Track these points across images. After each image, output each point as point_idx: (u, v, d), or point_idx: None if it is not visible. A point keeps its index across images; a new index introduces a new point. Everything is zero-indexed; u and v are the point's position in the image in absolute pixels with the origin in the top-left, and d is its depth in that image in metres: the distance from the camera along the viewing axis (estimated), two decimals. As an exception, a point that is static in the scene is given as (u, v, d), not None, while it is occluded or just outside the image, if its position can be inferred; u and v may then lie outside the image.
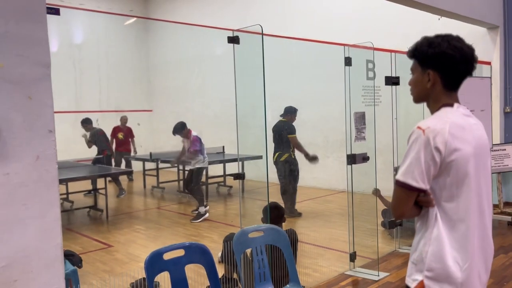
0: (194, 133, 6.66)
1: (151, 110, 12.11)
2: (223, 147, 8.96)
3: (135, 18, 11.73)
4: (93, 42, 10.85)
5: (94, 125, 8.27)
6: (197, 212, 6.39)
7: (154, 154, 8.62)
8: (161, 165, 8.68)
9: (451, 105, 1.53)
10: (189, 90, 10.91)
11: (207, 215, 6.32)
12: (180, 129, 6.63)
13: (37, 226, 1.80)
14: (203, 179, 7.29)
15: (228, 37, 2.98)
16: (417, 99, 1.62)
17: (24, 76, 1.75)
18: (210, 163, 7.78)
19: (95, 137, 8.00)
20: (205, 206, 6.43)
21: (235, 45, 3.00)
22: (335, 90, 5.31)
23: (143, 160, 8.81)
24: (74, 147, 8.45)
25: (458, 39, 1.53)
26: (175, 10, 11.15)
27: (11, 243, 1.74)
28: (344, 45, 3.99)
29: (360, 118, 4.04)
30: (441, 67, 1.51)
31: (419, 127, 1.46)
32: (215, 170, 8.34)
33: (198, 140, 6.62)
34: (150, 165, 9.01)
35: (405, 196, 1.46)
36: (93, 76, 10.75)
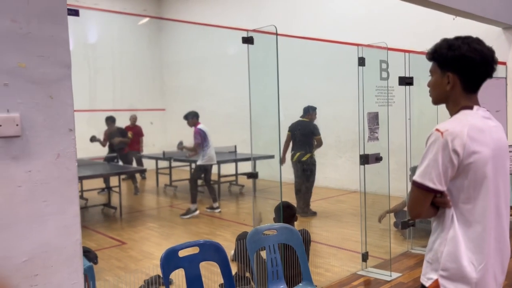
0: (200, 126, 6.65)
1: (164, 109, 12.20)
2: (235, 146, 9.00)
3: (148, 18, 11.83)
4: (107, 41, 10.97)
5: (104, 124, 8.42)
6: (210, 210, 6.46)
7: (167, 153, 8.69)
8: (173, 163, 8.75)
9: (471, 107, 1.54)
10: (201, 89, 10.97)
11: (196, 213, 6.37)
12: (189, 116, 6.70)
13: (57, 222, 1.85)
14: (215, 177, 7.33)
15: (243, 38, 3.00)
16: (436, 101, 1.62)
17: (45, 76, 1.80)
18: (223, 162, 7.84)
19: (116, 135, 8.13)
20: (196, 208, 6.46)
21: (249, 45, 3.03)
22: (348, 90, 5.31)
23: (156, 158, 8.88)
24: (88, 145, 8.55)
25: (478, 42, 1.53)
26: (188, 10, 11.22)
27: (32, 239, 1.79)
28: (357, 45, 3.99)
29: (374, 118, 4.03)
30: (461, 70, 1.51)
31: (437, 130, 1.47)
32: (228, 169, 8.39)
33: (199, 133, 6.58)
34: (162, 164, 9.09)
35: (422, 197, 1.47)
36: (107, 75, 10.87)
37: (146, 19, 11.81)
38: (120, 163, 8.29)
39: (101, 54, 10.75)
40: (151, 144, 9.92)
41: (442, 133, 1.45)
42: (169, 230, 5.78)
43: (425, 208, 1.49)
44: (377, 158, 4.01)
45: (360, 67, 3.93)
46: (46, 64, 1.80)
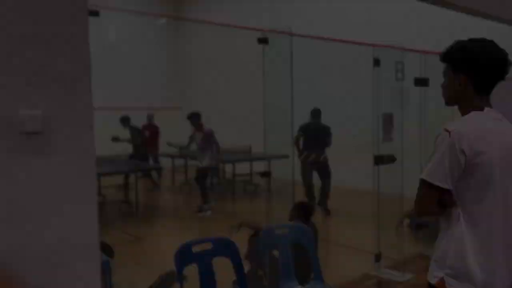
0: (207, 127, 6.74)
1: (180, 108, 12.33)
2: (250, 146, 9.05)
3: (166, 19, 11.96)
4: (126, 42, 11.13)
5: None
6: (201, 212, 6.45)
7: (183, 152, 8.78)
8: (189, 162, 8.84)
9: (482, 108, 1.55)
10: (218, 89, 11.05)
11: (208, 213, 6.41)
12: (195, 118, 6.74)
13: (75, 217, 1.92)
14: (230, 176, 7.37)
15: (258, 38, 3.04)
16: (449, 102, 1.64)
17: (66, 74, 1.87)
18: (237, 161, 7.89)
19: (136, 132, 8.26)
20: (209, 203, 6.51)
21: (264, 45, 3.07)
22: (362, 91, 5.31)
23: (172, 157, 8.99)
24: (108, 142, 8.69)
25: (491, 44, 1.54)
26: (206, 10, 11.31)
27: (51, 233, 1.86)
28: (373, 45, 3.99)
29: (388, 119, 4.03)
30: (473, 72, 1.55)
31: (446, 129, 1.49)
32: (242, 168, 8.44)
33: (210, 134, 6.62)
34: (179, 162, 9.19)
35: (428, 194, 1.50)
36: (125, 75, 11.04)
37: (164, 20, 11.95)
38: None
39: (119, 54, 10.92)
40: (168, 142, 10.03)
41: (449, 132, 1.47)
42: (184, 227, 5.86)
43: (431, 206, 1.51)
44: (391, 159, 4.01)
45: (375, 68, 3.94)
46: (67, 63, 1.87)
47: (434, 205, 1.51)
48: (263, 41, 3.06)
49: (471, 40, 1.56)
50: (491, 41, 1.56)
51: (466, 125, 1.49)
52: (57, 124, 1.86)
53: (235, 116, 10.37)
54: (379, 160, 3.93)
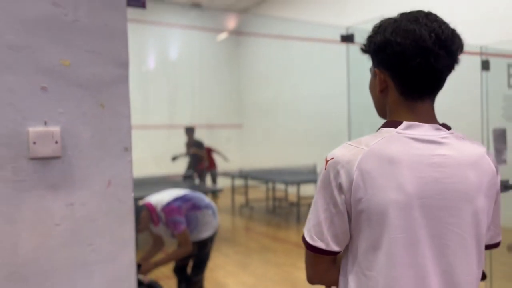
0: None
1: (240, 126, 11.95)
2: (315, 164, 8.37)
3: (227, 34, 11.73)
4: (187, 57, 11.01)
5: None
6: None
7: (243, 171, 8.30)
8: (250, 182, 8.32)
9: (399, 123, 0.95)
10: (279, 104, 10.56)
11: None
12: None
13: (106, 273, 1.38)
14: (294, 199, 6.71)
15: (342, 36, 2.43)
16: (378, 113, 1.07)
17: (95, 77, 1.36)
18: (302, 182, 7.23)
19: (199, 145, 7.99)
20: None
21: (349, 44, 2.45)
22: (467, 101, 4.49)
23: (232, 176, 8.53)
24: (166, 162, 8.43)
25: (414, 18, 0.94)
26: (267, 24, 10.94)
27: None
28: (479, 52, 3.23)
29: (501, 136, 3.22)
30: (389, 63, 0.96)
31: (326, 158, 0.96)
32: (307, 190, 7.76)
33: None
34: (238, 182, 8.71)
35: (308, 255, 1.02)
36: (186, 91, 10.88)
37: (225, 35, 11.72)
38: (197, 181, 8.03)
39: (181, 71, 10.78)
40: (227, 161, 9.63)
41: (326, 162, 0.96)
42: (245, 258, 5.27)
43: (316, 271, 1.02)
44: (506, 186, 3.19)
45: (484, 72, 3.17)
46: (97, 62, 1.36)
47: (327, 271, 1.01)
48: (347, 38, 2.44)
49: (390, 18, 0.98)
50: (420, 14, 0.95)
51: (351, 151, 0.93)
52: (82, 146, 1.35)
53: (298, 132, 9.76)
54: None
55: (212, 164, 8.77)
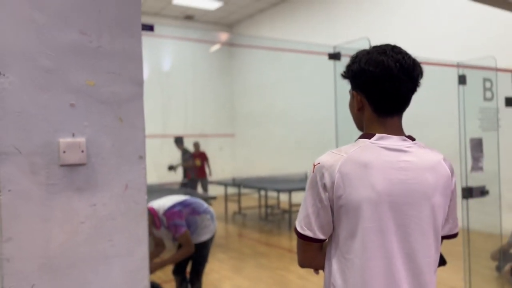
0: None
1: (233, 135, 12.16)
2: (306, 173, 8.59)
3: (219, 45, 11.97)
4: (180, 68, 11.21)
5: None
6: None
7: (236, 179, 8.49)
8: (243, 190, 8.51)
9: (372, 135, 1.18)
10: (271, 114, 10.79)
11: None
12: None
13: (123, 265, 1.58)
14: (286, 206, 6.92)
15: (329, 54, 2.67)
16: (357, 126, 1.31)
17: (115, 95, 1.57)
18: (293, 190, 7.44)
19: (187, 157, 8.17)
20: None
21: (336, 61, 2.68)
22: (446, 113, 4.76)
23: (225, 184, 8.71)
24: (160, 171, 8.59)
25: (383, 51, 1.16)
26: (259, 35, 11.20)
27: (96, 284, 1.53)
28: (457, 66, 3.48)
29: (477, 145, 3.47)
30: (364, 87, 1.21)
31: (314, 163, 1.20)
32: (299, 197, 7.97)
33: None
34: (231, 190, 8.89)
35: (299, 243, 1.26)
36: (179, 101, 11.07)
37: (217, 46, 11.96)
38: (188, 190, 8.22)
39: (174, 81, 10.98)
40: (220, 169, 9.81)
41: (314, 166, 1.19)
42: (239, 263, 5.45)
43: (307, 256, 1.26)
44: (483, 192, 3.43)
45: (461, 86, 3.42)
46: (117, 82, 1.57)
47: (317, 256, 1.25)
48: (334, 56, 2.68)
49: (364, 50, 1.23)
50: (388, 47, 1.20)
51: (334, 157, 1.16)
52: (104, 154, 1.55)
53: (290, 141, 9.99)
54: (468, 193, 3.37)
55: (202, 173, 8.92)
